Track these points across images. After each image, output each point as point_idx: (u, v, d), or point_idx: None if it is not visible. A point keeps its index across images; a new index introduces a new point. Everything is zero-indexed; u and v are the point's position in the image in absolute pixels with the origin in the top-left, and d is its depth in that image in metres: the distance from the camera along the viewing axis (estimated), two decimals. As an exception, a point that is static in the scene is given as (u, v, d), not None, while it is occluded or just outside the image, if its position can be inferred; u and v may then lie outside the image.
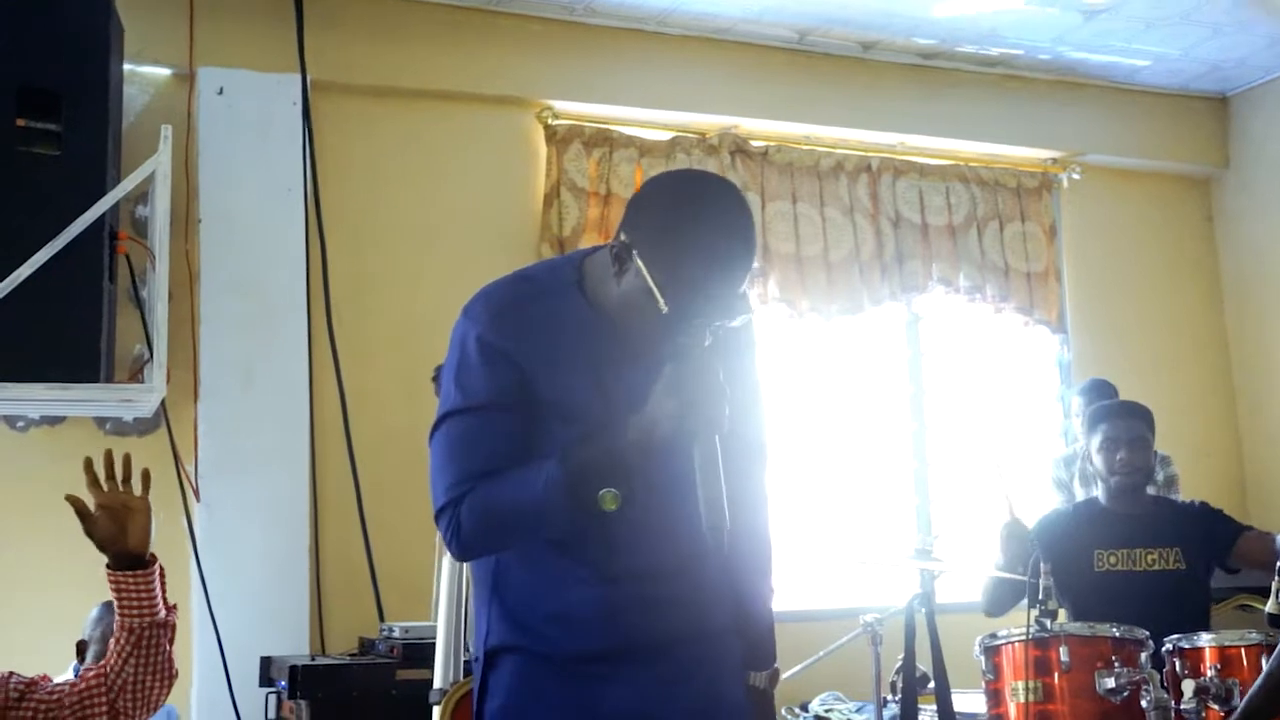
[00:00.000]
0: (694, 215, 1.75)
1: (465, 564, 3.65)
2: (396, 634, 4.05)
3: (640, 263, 1.75)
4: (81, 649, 3.61)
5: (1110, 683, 2.96)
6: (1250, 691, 2.65)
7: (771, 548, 2.07)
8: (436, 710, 3.23)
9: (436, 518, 1.87)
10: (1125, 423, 3.73)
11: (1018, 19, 5.32)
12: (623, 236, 1.80)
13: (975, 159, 5.85)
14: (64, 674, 3.60)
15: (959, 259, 5.68)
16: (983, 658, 3.18)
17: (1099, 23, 5.37)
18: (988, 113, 5.82)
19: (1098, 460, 3.72)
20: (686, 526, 1.81)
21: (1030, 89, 5.92)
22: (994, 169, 5.86)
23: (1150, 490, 3.86)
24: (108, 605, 3.63)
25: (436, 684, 3.33)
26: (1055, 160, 6.01)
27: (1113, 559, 3.60)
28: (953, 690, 3.28)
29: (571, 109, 5.19)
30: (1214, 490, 5.30)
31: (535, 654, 1.90)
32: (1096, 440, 3.73)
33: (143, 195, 4.31)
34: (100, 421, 4.45)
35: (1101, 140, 6.06)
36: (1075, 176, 5.99)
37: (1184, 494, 4.93)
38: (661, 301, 1.73)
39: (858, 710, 4.59)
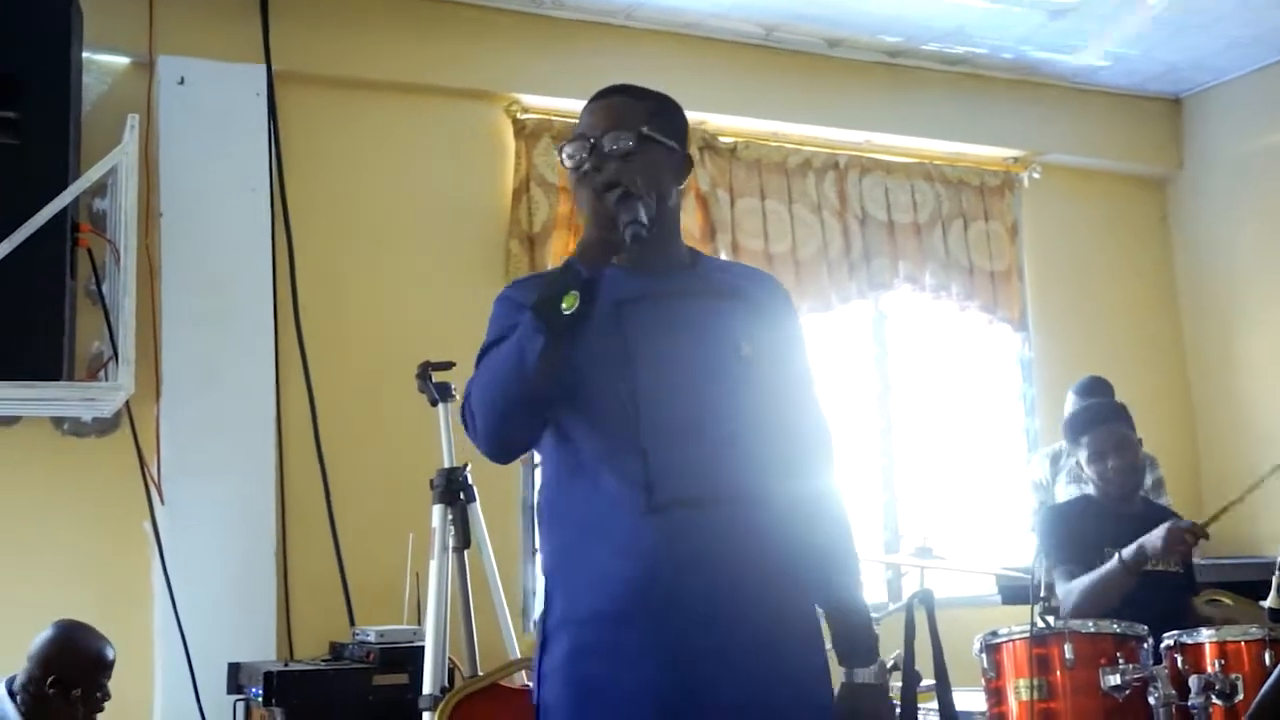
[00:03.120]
0: None
1: (454, 565, 3.59)
2: (372, 638, 3.95)
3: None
4: None
5: (1115, 679, 2.95)
6: (1262, 691, 2.65)
7: (853, 537, 2.04)
8: (428, 716, 3.14)
9: (466, 428, 1.94)
10: (1106, 429, 3.73)
11: (984, 18, 5.33)
12: None
13: (939, 157, 5.87)
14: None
15: (925, 257, 5.69)
16: (983, 655, 3.15)
17: (1064, 22, 5.40)
18: (951, 111, 5.84)
19: (1090, 471, 3.73)
20: (729, 450, 1.89)
21: (992, 88, 5.95)
22: (958, 167, 5.88)
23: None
24: (57, 630, 3.44)
25: (426, 689, 3.24)
26: (1016, 159, 6.04)
27: None
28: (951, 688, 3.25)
29: (539, 103, 5.11)
30: (1170, 487, 5.36)
31: (582, 630, 1.87)
32: (1084, 453, 3.75)
33: (101, 188, 4.16)
34: (58, 422, 4.30)
35: (1061, 140, 6.11)
36: (1035, 176, 6.03)
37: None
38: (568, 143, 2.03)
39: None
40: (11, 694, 3.36)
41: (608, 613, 1.85)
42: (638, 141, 1.97)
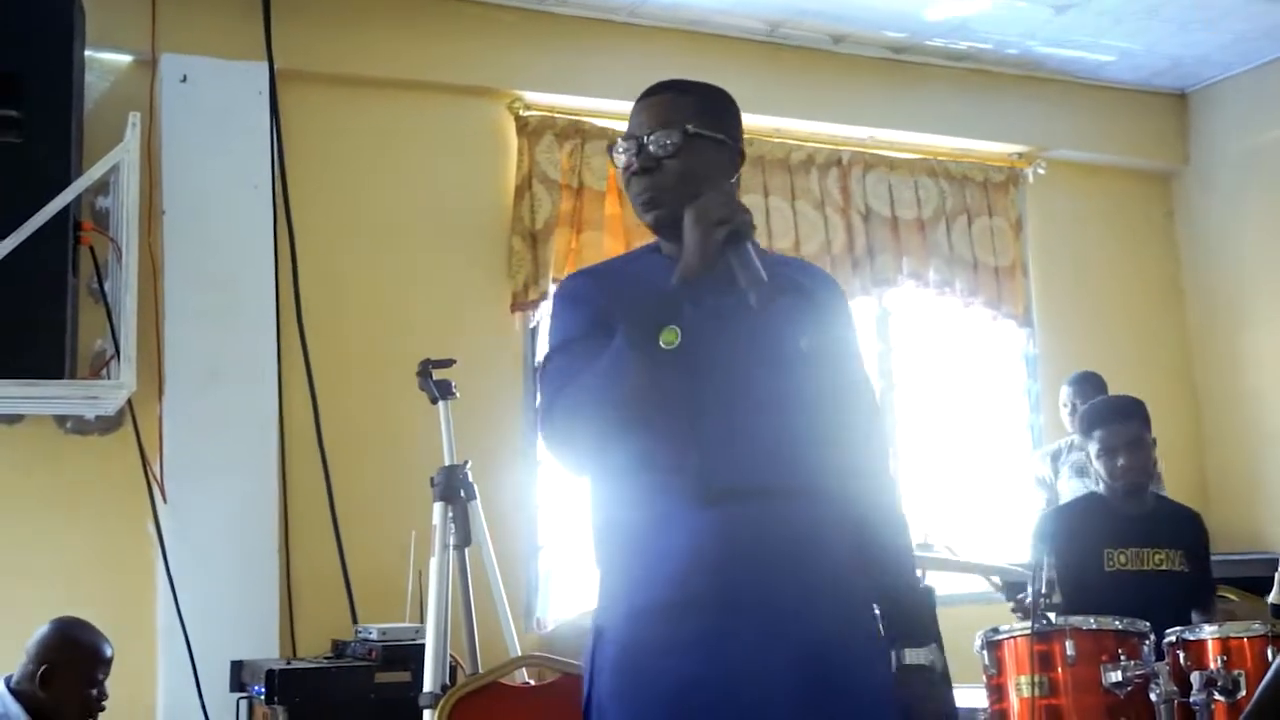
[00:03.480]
0: None
1: (455, 563, 3.59)
2: (374, 636, 3.95)
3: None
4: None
5: (1116, 676, 2.93)
6: (1259, 691, 2.64)
7: (907, 527, 2.04)
8: (429, 714, 3.14)
9: (546, 442, 1.92)
10: (1121, 426, 3.65)
11: (988, 13, 5.32)
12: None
13: (943, 153, 5.86)
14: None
15: (928, 253, 5.68)
16: (985, 652, 3.14)
17: (1068, 17, 5.39)
18: (956, 107, 5.83)
19: (1099, 465, 3.66)
20: (787, 442, 1.90)
21: (997, 83, 5.93)
22: (962, 163, 5.87)
23: None
24: (56, 626, 3.43)
25: (427, 687, 3.24)
26: (1021, 155, 6.03)
27: (1122, 558, 3.56)
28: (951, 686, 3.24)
29: (542, 100, 5.11)
30: (1175, 484, 5.34)
31: (636, 623, 1.87)
32: (1095, 447, 3.67)
33: (104, 186, 4.17)
34: (61, 420, 4.31)
35: (1065, 135, 6.09)
36: (1040, 171, 6.02)
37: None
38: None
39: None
40: (13, 692, 3.35)
41: (663, 605, 1.85)
42: (684, 140, 1.96)
